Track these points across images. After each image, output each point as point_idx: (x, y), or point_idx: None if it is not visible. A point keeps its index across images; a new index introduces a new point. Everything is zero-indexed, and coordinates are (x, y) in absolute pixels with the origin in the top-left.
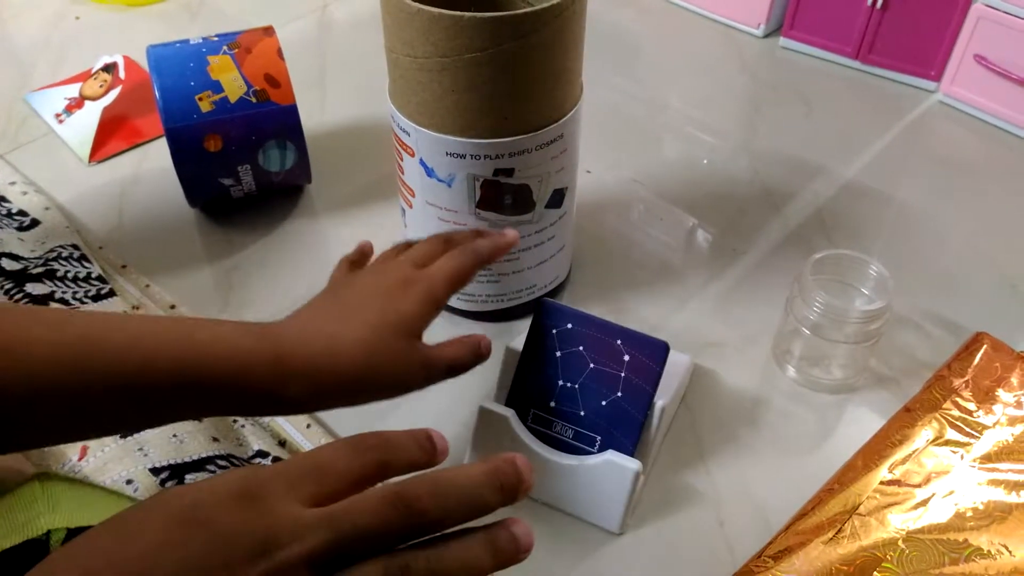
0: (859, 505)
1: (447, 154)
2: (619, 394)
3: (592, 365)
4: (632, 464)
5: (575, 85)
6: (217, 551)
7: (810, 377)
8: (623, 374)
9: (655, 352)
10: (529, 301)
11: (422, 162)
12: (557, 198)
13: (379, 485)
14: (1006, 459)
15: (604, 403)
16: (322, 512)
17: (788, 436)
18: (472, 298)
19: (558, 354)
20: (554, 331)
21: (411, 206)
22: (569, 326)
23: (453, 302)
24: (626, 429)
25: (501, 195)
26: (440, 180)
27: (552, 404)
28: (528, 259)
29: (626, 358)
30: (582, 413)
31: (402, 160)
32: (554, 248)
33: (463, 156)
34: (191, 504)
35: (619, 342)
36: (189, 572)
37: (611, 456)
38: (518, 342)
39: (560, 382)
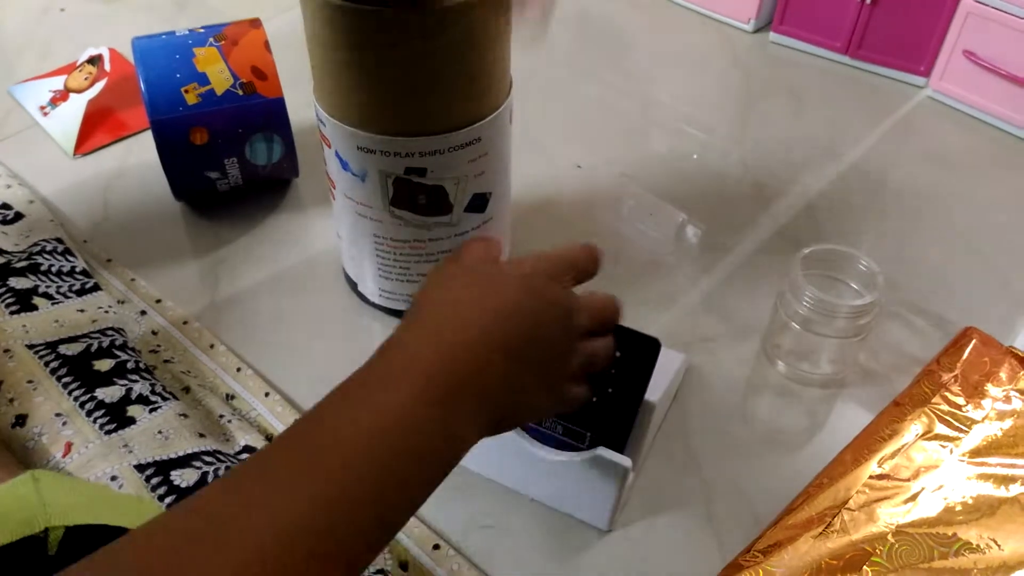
0: (848, 500)
1: (358, 148)
2: (610, 390)
3: None
4: (623, 461)
5: (496, 88)
6: (549, 311)
7: (800, 372)
8: (614, 370)
9: (647, 349)
10: None
11: (337, 155)
12: (479, 202)
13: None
14: (995, 453)
15: (595, 399)
16: (583, 298)
17: (778, 431)
18: (394, 297)
19: None
20: None
21: (333, 198)
22: None
23: (378, 300)
24: (617, 426)
25: (414, 194)
26: (354, 174)
27: None
28: None
29: (617, 354)
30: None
31: (324, 151)
32: None
33: (373, 152)
34: (530, 274)
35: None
36: (538, 322)
37: (601, 452)
38: None
39: None
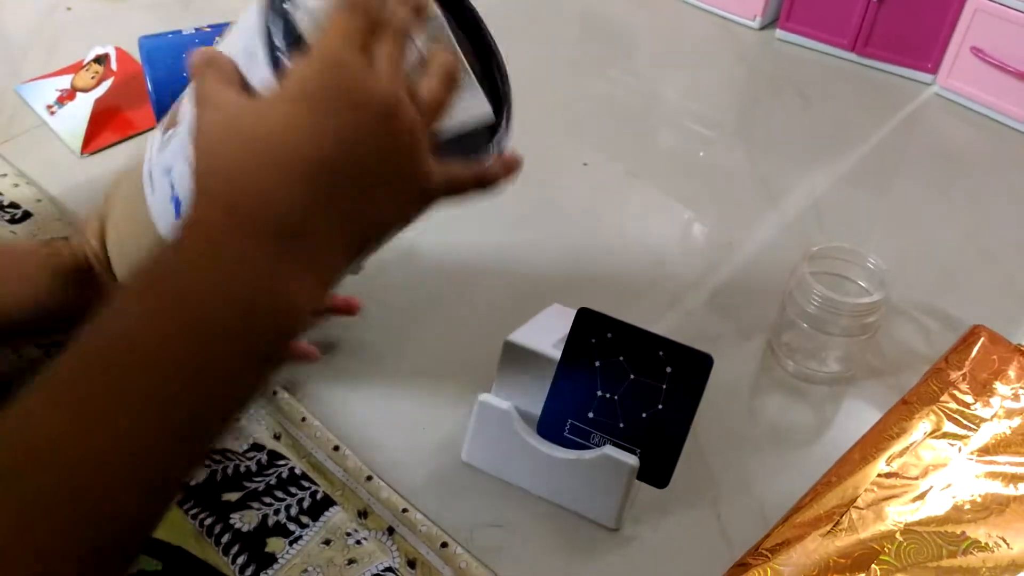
0: (857, 498)
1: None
2: (660, 407)
3: (632, 376)
4: (629, 459)
5: None
6: (349, 123)
7: (807, 370)
8: (665, 386)
9: (699, 364)
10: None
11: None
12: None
13: None
14: (1004, 451)
15: (644, 415)
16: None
17: (785, 429)
18: None
19: (597, 364)
20: (593, 340)
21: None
22: (609, 335)
23: None
24: (667, 443)
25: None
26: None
27: (590, 415)
28: None
29: (668, 369)
30: (621, 425)
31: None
32: None
33: (150, 174)
34: (301, 80)
35: (661, 353)
36: (340, 144)
37: (608, 451)
38: (518, 335)
39: (599, 392)
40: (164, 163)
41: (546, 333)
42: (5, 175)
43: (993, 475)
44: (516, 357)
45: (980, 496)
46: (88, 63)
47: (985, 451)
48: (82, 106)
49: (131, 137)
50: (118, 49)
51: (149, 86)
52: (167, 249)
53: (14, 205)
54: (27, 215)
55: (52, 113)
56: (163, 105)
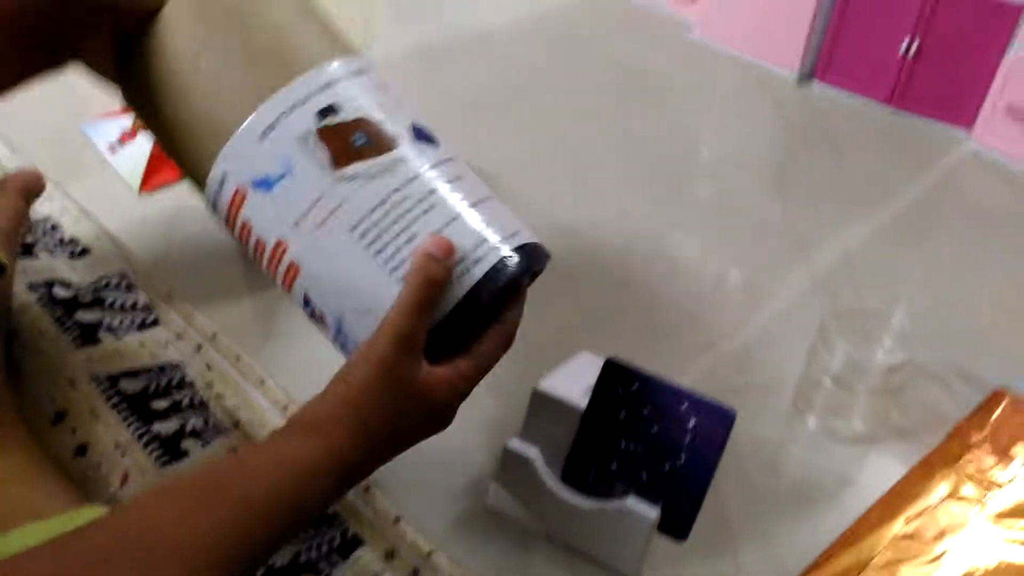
0: (872, 558)
1: (261, 136)
2: (682, 460)
3: (656, 428)
4: (650, 512)
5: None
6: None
7: (831, 428)
8: (687, 440)
9: (722, 419)
10: (489, 275)
11: (254, 183)
12: (418, 132)
13: None
14: (1022, 516)
15: (667, 467)
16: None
17: (807, 486)
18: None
19: (622, 415)
20: (619, 391)
21: (298, 269)
22: (634, 387)
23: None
24: (689, 495)
25: (346, 137)
26: (279, 177)
27: (614, 466)
28: (451, 202)
29: (691, 423)
30: (644, 476)
31: (248, 228)
32: (469, 191)
33: (275, 124)
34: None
35: (685, 406)
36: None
37: (630, 503)
38: (546, 383)
39: (623, 443)
40: (344, 196)
41: (574, 382)
42: (67, 211)
43: (1010, 540)
44: (543, 405)
45: (996, 563)
46: None
47: (1003, 515)
48: (142, 146)
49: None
50: None
51: None
52: (299, 440)
53: (74, 241)
54: (86, 251)
55: (113, 152)
56: None
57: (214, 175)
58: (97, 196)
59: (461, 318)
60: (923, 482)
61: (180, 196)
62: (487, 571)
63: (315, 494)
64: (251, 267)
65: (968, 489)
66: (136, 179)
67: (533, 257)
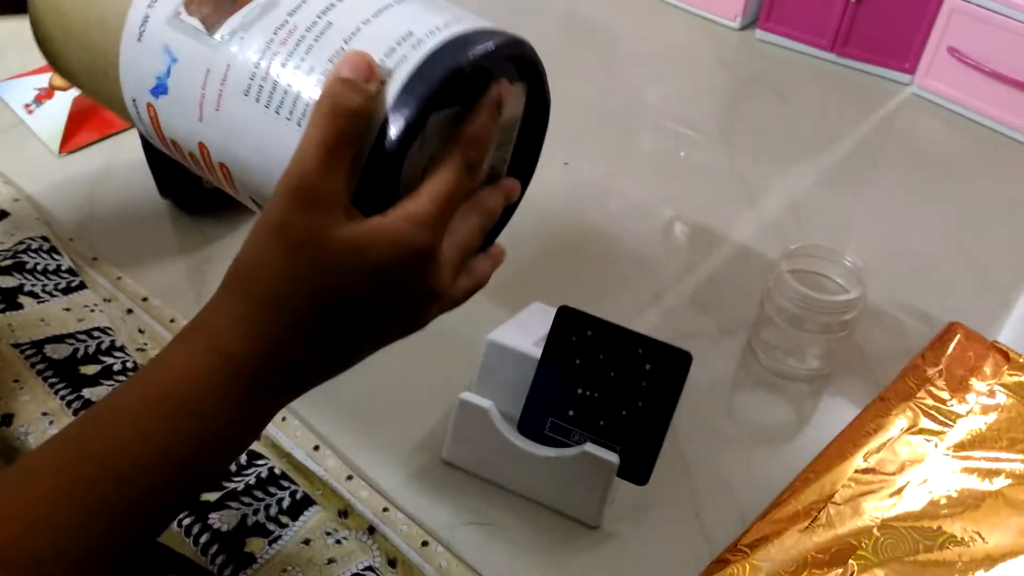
0: (834, 494)
1: (139, 37)
2: (640, 404)
3: (612, 374)
4: (609, 458)
5: None
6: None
7: (785, 367)
8: (644, 384)
9: (678, 362)
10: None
11: (151, 90)
12: None
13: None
14: (979, 447)
15: (624, 413)
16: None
17: (764, 426)
18: None
19: (577, 362)
20: (573, 338)
21: (205, 147)
22: (589, 333)
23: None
24: (647, 440)
25: None
26: (166, 71)
27: (571, 413)
28: (340, 17)
29: (647, 367)
30: (601, 423)
31: (158, 124)
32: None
33: (145, 17)
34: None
35: (640, 351)
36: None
37: (588, 448)
38: (498, 333)
39: (579, 391)
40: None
41: (527, 331)
42: None
43: (969, 471)
44: (497, 356)
45: (956, 491)
46: None
47: (961, 447)
48: (60, 105)
49: (110, 136)
50: None
51: None
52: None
53: None
54: (4, 214)
55: (30, 112)
56: None
57: (127, 102)
58: (14, 158)
59: (400, 144)
60: (881, 417)
61: (103, 155)
62: (444, 525)
63: (204, 420)
64: (180, 228)
65: (926, 422)
66: (56, 139)
67: (479, 50)
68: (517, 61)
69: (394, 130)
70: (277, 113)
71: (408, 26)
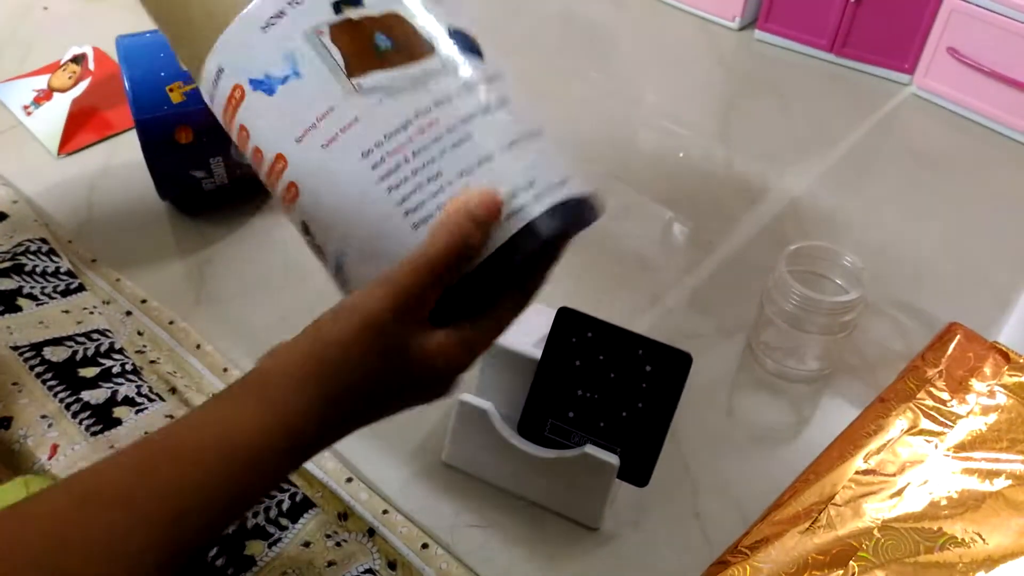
0: (835, 495)
1: (263, 28)
2: (640, 405)
3: (612, 375)
4: (610, 458)
5: None
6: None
7: (786, 368)
8: (644, 385)
9: (678, 363)
10: (523, 232)
11: (253, 82)
12: (461, 39)
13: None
14: (979, 448)
15: (625, 414)
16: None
17: (764, 427)
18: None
19: (577, 363)
20: (573, 339)
21: (297, 190)
22: (589, 334)
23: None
24: (647, 441)
25: (367, 37)
26: (285, 79)
27: (570, 414)
28: (493, 134)
29: (648, 368)
30: (602, 424)
31: (247, 132)
32: (519, 121)
33: (282, 13)
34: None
35: (640, 352)
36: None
37: (589, 450)
38: (502, 338)
39: (579, 392)
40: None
41: (526, 332)
42: None
43: (969, 471)
44: (497, 357)
45: (956, 492)
46: (65, 63)
47: (961, 447)
48: (59, 106)
49: (108, 137)
50: (96, 49)
51: (127, 86)
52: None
53: None
54: (3, 216)
55: (29, 114)
56: (141, 105)
57: (209, 67)
58: (12, 160)
59: (481, 280)
60: (881, 419)
61: (102, 157)
62: (444, 528)
63: (262, 478)
64: (179, 230)
65: (926, 423)
66: (54, 141)
67: (579, 213)
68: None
69: (486, 270)
70: (388, 193)
71: (534, 173)
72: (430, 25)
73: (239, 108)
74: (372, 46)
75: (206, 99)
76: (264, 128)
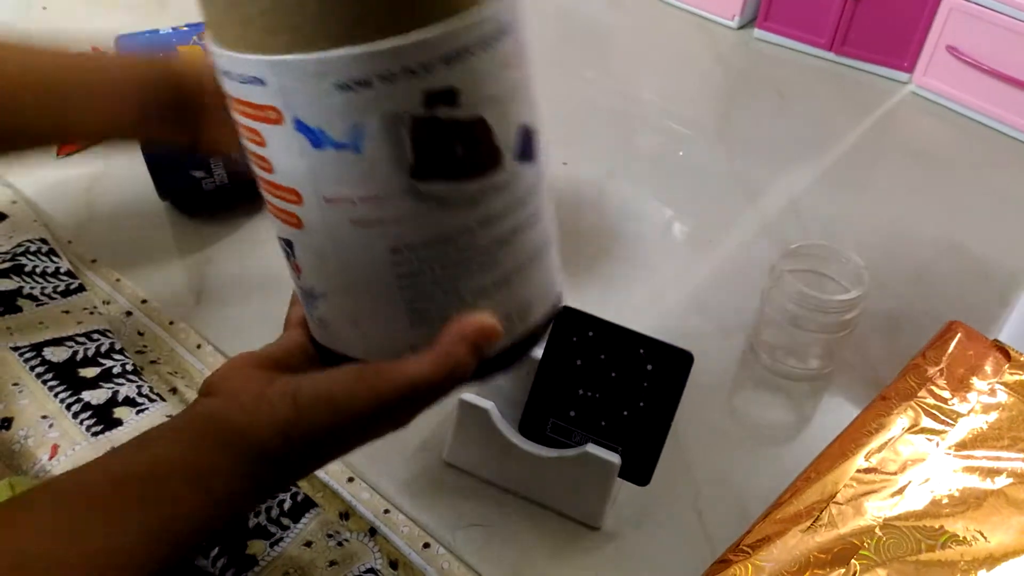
0: (836, 493)
1: (340, 86)
2: (641, 404)
3: (613, 374)
4: (611, 459)
5: None
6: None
7: (786, 367)
8: (645, 384)
9: (679, 361)
10: (527, 337)
11: (300, 124)
12: (527, 143)
13: None
14: (981, 446)
15: (626, 413)
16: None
17: (765, 426)
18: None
19: (578, 362)
20: (574, 339)
21: (300, 224)
22: (590, 334)
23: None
24: (649, 440)
25: (448, 142)
26: (340, 145)
27: (571, 413)
28: (515, 256)
29: (649, 367)
30: (603, 423)
31: (263, 144)
32: (540, 237)
33: (368, 82)
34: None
35: (641, 351)
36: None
37: (590, 449)
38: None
39: (580, 391)
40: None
41: None
42: None
43: (971, 469)
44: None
45: (958, 490)
46: None
47: (963, 446)
48: None
49: None
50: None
51: None
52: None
53: None
54: (2, 217)
55: None
56: None
57: (247, 70)
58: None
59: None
60: (882, 417)
61: (102, 157)
62: (446, 527)
63: (235, 503)
64: (179, 230)
65: (927, 422)
66: None
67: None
68: None
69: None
70: (400, 290)
71: (537, 293)
72: (507, 132)
73: (263, 123)
74: (447, 151)
75: (218, 74)
76: (291, 166)
